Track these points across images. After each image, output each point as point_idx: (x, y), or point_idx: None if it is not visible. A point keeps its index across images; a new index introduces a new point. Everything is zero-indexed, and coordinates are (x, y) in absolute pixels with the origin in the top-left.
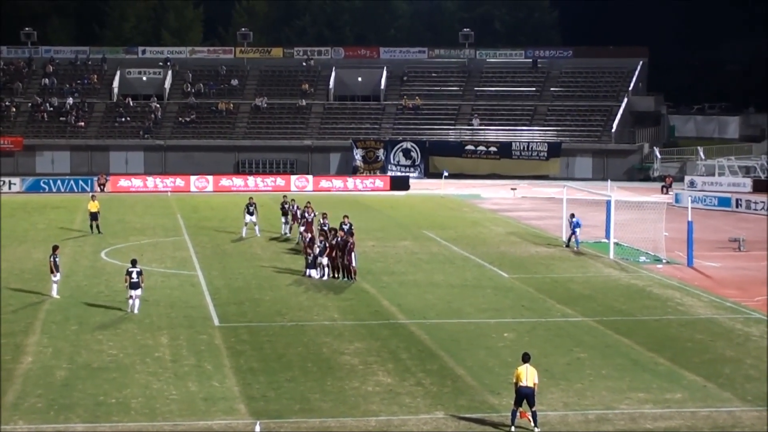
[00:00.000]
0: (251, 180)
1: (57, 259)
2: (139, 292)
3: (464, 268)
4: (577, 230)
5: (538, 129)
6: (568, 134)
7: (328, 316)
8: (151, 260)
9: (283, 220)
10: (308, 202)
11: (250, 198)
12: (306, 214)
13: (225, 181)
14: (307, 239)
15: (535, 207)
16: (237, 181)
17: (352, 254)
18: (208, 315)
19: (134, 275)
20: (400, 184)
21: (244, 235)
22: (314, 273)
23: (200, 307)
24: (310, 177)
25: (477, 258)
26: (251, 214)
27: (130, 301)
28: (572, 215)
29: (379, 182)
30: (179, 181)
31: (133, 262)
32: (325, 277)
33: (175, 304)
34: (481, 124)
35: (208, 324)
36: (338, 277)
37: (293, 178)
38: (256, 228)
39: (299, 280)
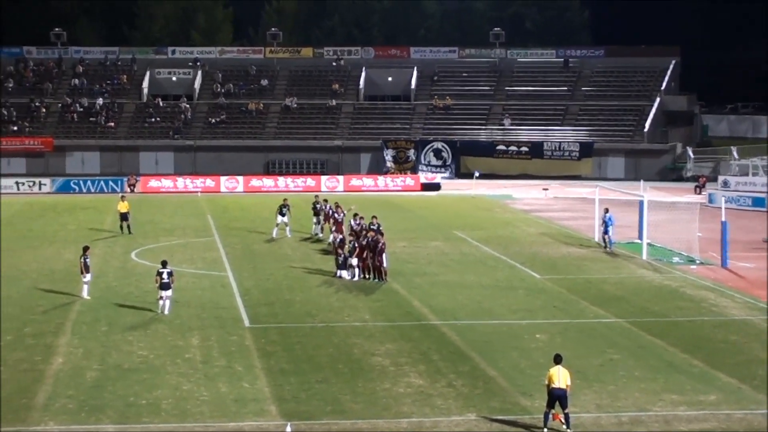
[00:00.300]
0: (281, 180)
1: (88, 260)
2: (169, 292)
3: (496, 269)
4: (610, 228)
5: (569, 129)
6: (600, 134)
7: (359, 317)
8: (182, 261)
9: (314, 220)
10: (336, 203)
11: (285, 199)
12: (336, 215)
13: (255, 182)
14: (338, 240)
15: (567, 207)
16: (267, 182)
17: (383, 255)
18: (238, 316)
19: (165, 276)
20: (430, 185)
21: (275, 235)
22: (345, 274)
23: (231, 308)
24: (340, 177)
25: (509, 258)
26: (283, 215)
27: (161, 302)
28: (606, 210)
29: (410, 181)
30: (209, 182)
31: (164, 263)
32: (356, 278)
33: (205, 305)
34: (512, 124)
35: (239, 325)
36: (369, 278)
37: (323, 178)
38: (288, 229)
39: (330, 281)
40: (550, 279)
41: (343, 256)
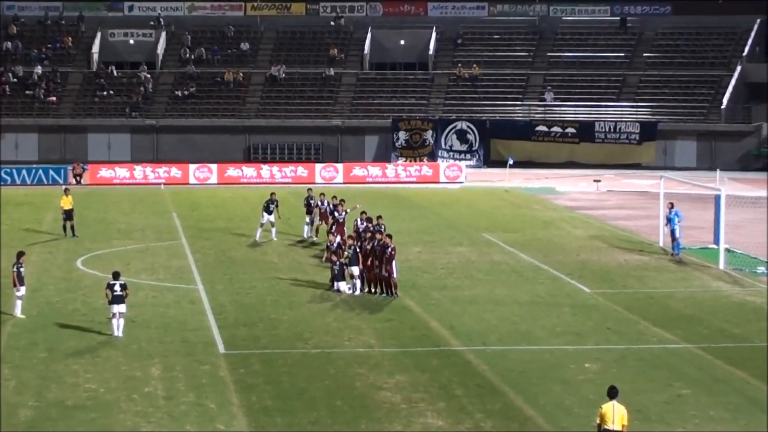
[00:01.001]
0: (265, 170)
1: (22, 269)
2: (123, 308)
3: (534, 281)
4: (677, 228)
5: (627, 105)
6: (665, 112)
7: (362, 341)
8: (140, 270)
9: (306, 219)
10: (335, 198)
11: (272, 194)
12: (336, 213)
13: (232, 171)
14: (335, 244)
15: (624, 203)
16: (248, 171)
17: (393, 263)
18: (211, 340)
19: (117, 288)
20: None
21: (258, 238)
22: (344, 286)
23: (201, 329)
24: (339, 166)
25: (550, 268)
26: (270, 213)
27: (114, 321)
28: (671, 205)
29: (428, 171)
30: (175, 171)
31: (115, 275)
32: (358, 292)
33: (169, 325)
34: (555, 99)
35: (212, 351)
36: (375, 292)
37: (318, 167)
38: (273, 230)
39: (326, 295)
40: (603, 294)
41: (339, 264)
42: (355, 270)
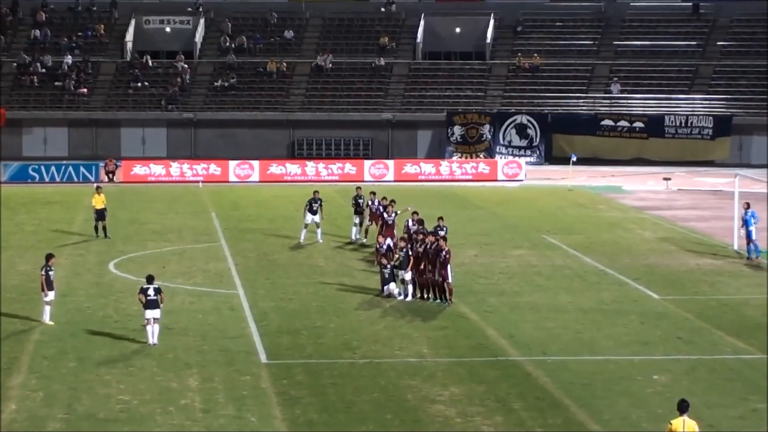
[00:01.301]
0: (311, 166)
1: (51, 273)
2: (157, 313)
3: (599, 287)
4: (753, 230)
5: (700, 98)
6: (741, 105)
7: (414, 350)
8: (176, 274)
9: (355, 220)
10: (385, 198)
11: (315, 192)
12: (385, 214)
13: (275, 168)
14: (384, 247)
15: (697, 203)
16: (292, 168)
17: (448, 267)
18: (252, 348)
19: (151, 293)
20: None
21: (302, 240)
22: (394, 289)
23: (242, 337)
24: (390, 162)
25: (616, 273)
26: (314, 212)
27: (148, 328)
28: (746, 205)
29: (485, 168)
30: (214, 168)
31: (149, 279)
32: (410, 298)
33: (207, 333)
34: (622, 92)
35: (253, 361)
36: (428, 298)
37: (367, 163)
38: (318, 231)
39: (375, 301)
40: (673, 300)
41: (390, 267)
42: (407, 274)
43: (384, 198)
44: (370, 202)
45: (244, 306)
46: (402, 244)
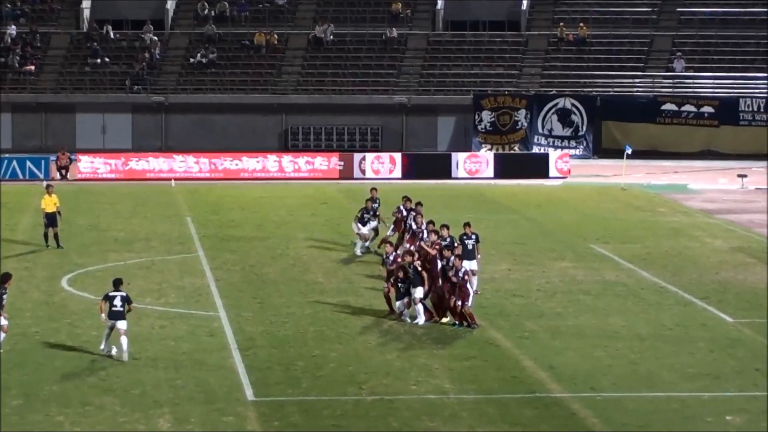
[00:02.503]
0: (307, 160)
1: (4, 296)
2: (124, 325)
3: (660, 307)
4: None
5: None
6: None
7: (434, 385)
8: (144, 292)
9: (358, 229)
10: (418, 203)
11: (373, 189)
12: (414, 222)
13: (264, 163)
14: (390, 256)
15: None
16: (285, 163)
17: (468, 288)
18: (236, 383)
19: (117, 302)
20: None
21: (359, 252)
22: (400, 305)
23: (223, 369)
24: (406, 155)
25: (680, 290)
26: (365, 223)
27: (111, 348)
28: None
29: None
30: (190, 163)
31: (117, 283)
32: (422, 321)
33: (182, 364)
34: (687, 69)
35: (237, 398)
36: (447, 323)
37: (371, 158)
38: (367, 243)
39: (385, 325)
40: (750, 324)
41: (403, 281)
42: (418, 292)
43: (418, 203)
44: (399, 209)
45: (227, 331)
46: (409, 258)
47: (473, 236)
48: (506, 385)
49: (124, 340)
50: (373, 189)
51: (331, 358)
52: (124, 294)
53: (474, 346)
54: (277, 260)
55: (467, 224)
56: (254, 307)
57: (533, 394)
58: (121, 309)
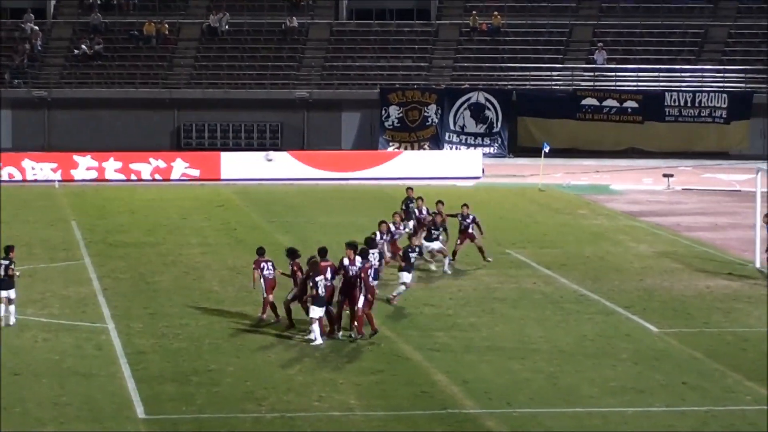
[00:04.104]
0: (203, 160)
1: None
2: (12, 293)
3: (580, 317)
4: None
5: (710, 69)
6: (765, 79)
7: (338, 401)
8: (25, 303)
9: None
10: (410, 189)
11: (409, 189)
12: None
13: (155, 163)
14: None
15: (707, 207)
16: (178, 163)
17: (362, 289)
18: (125, 400)
19: (1, 270)
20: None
21: (435, 268)
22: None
23: (112, 385)
24: (305, 154)
25: (602, 298)
26: (432, 239)
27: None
28: None
29: (431, 162)
30: (74, 163)
31: (7, 250)
32: (318, 341)
33: (67, 380)
34: (609, 61)
35: (127, 416)
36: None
37: (270, 157)
38: (446, 261)
39: (287, 338)
40: (677, 334)
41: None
42: (317, 310)
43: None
44: (419, 209)
45: (115, 344)
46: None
47: (470, 217)
48: (416, 400)
49: (12, 311)
50: (409, 188)
51: (227, 373)
52: (8, 261)
53: (382, 360)
54: (170, 267)
55: (465, 205)
56: (145, 318)
57: (445, 411)
58: (4, 276)
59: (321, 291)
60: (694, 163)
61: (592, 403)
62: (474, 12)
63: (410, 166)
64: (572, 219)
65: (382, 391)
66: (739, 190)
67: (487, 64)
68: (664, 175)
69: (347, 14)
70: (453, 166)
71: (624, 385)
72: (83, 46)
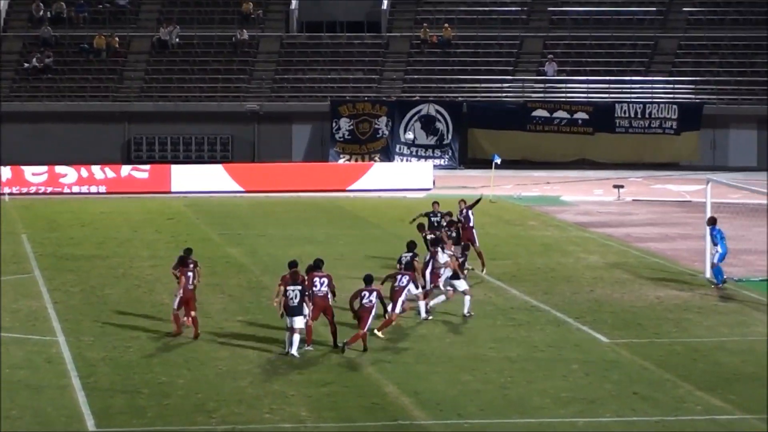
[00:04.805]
0: (147, 174)
1: None
2: None
3: (531, 327)
4: (717, 250)
5: (661, 80)
6: (714, 90)
7: (289, 413)
8: None
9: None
10: (435, 203)
11: (434, 204)
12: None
13: (106, 175)
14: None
15: (657, 218)
16: (129, 175)
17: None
18: (76, 412)
19: None
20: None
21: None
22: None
23: (63, 398)
24: (257, 166)
25: (553, 309)
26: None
27: None
28: (711, 221)
29: (379, 174)
30: (27, 175)
31: None
32: (294, 351)
33: (17, 393)
34: (559, 73)
35: (77, 428)
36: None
37: (220, 171)
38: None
39: (239, 350)
40: (627, 345)
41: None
42: (297, 321)
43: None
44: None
45: (66, 357)
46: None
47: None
48: (367, 412)
49: None
50: (435, 203)
51: (178, 385)
52: None
53: (333, 372)
54: (120, 281)
55: (462, 201)
56: (95, 331)
57: (396, 422)
58: None
59: (292, 300)
60: (645, 174)
61: (543, 413)
62: (425, 24)
63: (361, 177)
64: (523, 230)
65: (333, 402)
66: (690, 201)
67: (437, 76)
68: (615, 186)
69: (298, 27)
70: (403, 178)
71: (575, 396)
72: (33, 60)
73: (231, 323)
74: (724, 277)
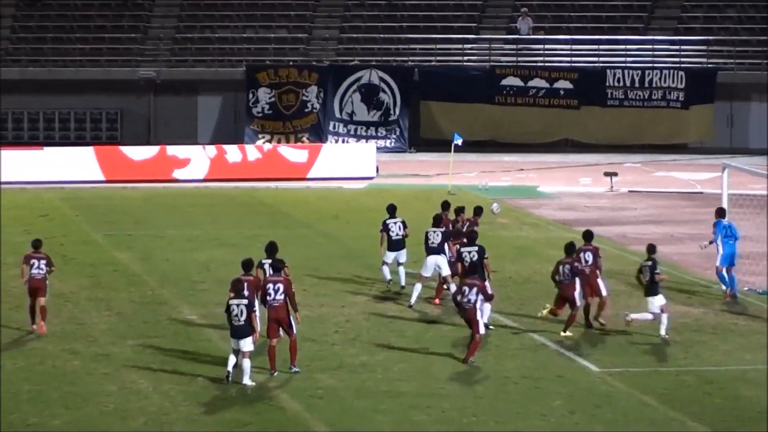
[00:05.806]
0: (24, 156)
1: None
2: None
3: (501, 353)
4: (727, 250)
5: (664, 40)
6: (731, 53)
7: None
8: None
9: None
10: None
11: (391, 208)
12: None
13: None
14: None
15: (660, 214)
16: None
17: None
18: None
19: None
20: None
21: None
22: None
23: None
24: (154, 149)
25: (529, 329)
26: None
27: None
28: (719, 212)
29: (303, 156)
30: None
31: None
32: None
33: None
34: (535, 32)
35: None
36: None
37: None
38: (400, 270)
39: (129, 382)
40: (621, 375)
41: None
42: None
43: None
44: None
45: None
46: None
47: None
48: None
49: None
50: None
51: (53, 427)
52: None
53: (250, 410)
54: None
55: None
56: None
57: None
58: None
59: (237, 318)
60: (644, 159)
61: None
62: None
63: (283, 163)
64: (490, 230)
65: None
66: (701, 192)
67: (381, 35)
68: (606, 174)
69: None
70: (339, 164)
71: None
72: None
73: (120, 348)
74: (737, 286)
